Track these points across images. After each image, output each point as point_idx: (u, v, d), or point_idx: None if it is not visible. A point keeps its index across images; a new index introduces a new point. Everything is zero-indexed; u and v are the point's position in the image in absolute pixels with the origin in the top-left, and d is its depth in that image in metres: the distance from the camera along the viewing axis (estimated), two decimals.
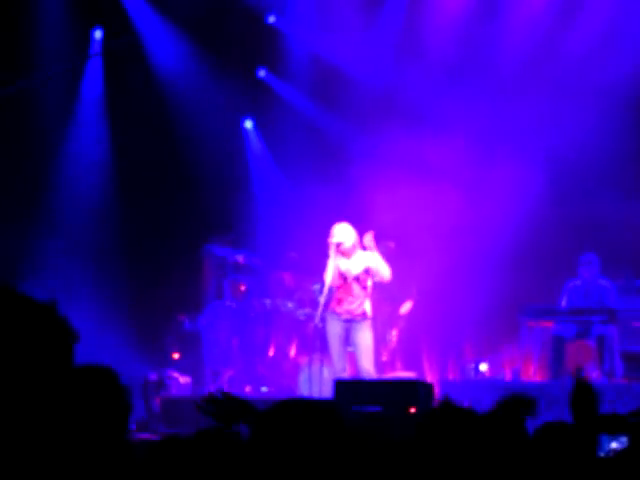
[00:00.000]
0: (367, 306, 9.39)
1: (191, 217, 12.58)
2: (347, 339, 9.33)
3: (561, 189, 11.98)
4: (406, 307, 11.58)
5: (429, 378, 11.50)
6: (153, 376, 10.75)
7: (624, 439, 4.49)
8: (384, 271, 9.34)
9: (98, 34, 12.97)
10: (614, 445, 4.52)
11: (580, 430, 3.73)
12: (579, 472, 3.45)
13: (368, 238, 9.31)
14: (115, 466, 2.62)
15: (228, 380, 11.36)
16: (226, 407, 3.60)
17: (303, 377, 10.49)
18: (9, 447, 2.04)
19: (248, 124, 13.97)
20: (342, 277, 9.34)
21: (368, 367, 9.16)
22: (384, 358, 11.17)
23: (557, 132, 12.10)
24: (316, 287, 10.96)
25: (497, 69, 12.41)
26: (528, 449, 3.43)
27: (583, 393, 4.32)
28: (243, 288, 11.96)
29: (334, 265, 9.28)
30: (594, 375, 10.19)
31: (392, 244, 11.23)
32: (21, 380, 2.09)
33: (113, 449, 2.66)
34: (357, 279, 9.34)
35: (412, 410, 7.56)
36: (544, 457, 3.41)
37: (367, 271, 9.35)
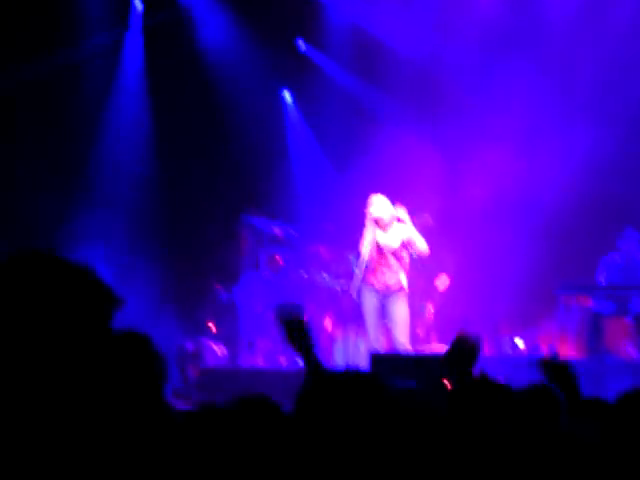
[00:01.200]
0: (403, 279, 9.36)
1: (229, 187, 12.61)
2: (383, 312, 9.32)
3: (599, 164, 11.86)
4: (442, 281, 11.53)
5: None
6: (189, 345, 10.81)
7: None
8: (421, 245, 9.31)
9: (139, 4, 12.98)
10: None
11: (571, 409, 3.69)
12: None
13: (401, 212, 9.27)
14: (153, 431, 2.63)
15: (262, 350, 11.40)
16: (295, 330, 3.65)
17: (338, 349, 10.50)
18: (47, 410, 2.05)
19: (287, 96, 13.93)
20: (378, 249, 9.31)
21: (403, 340, 9.16)
22: (420, 332, 11.14)
23: (598, 109, 11.96)
24: (352, 257, 10.94)
25: (539, 47, 12.27)
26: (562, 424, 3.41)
27: (559, 372, 4.28)
28: (279, 260, 11.97)
29: (371, 237, 9.25)
30: (632, 353, 10.12)
31: (428, 216, 11.18)
32: (57, 344, 2.10)
33: (150, 414, 2.67)
34: (393, 252, 9.31)
35: (447, 384, 7.53)
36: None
37: (404, 244, 9.32)
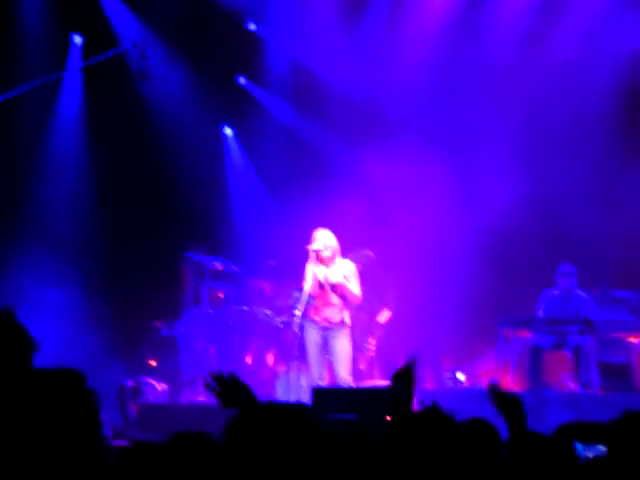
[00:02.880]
0: (345, 314, 9.37)
1: (170, 224, 12.54)
2: (325, 347, 9.31)
3: (540, 200, 12.02)
4: (384, 316, 11.57)
5: None
6: (129, 383, 10.69)
7: (600, 447, 4.50)
8: (353, 295, 9.33)
9: (78, 40, 12.92)
10: (589, 454, 4.52)
11: (516, 441, 3.72)
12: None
13: (350, 268, 9.36)
14: (85, 471, 2.59)
15: (204, 387, 11.29)
16: (229, 388, 3.63)
17: (281, 385, 10.46)
18: None
19: (228, 131, 13.95)
20: (320, 285, 9.32)
21: (345, 375, 9.15)
22: (362, 366, 11.15)
23: (536, 143, 12.14)
24: (295, 295, 10.95)
25: (479, 78, 12.45)
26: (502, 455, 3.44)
27: (507, 403, 4.31)
28: (221, 295, 11.92)
29: (312, 272, 9.27)
30: (571, 386, 10.22)
31: (371, 253, 11.24)
32: None
33: (82, 453, 2.62)
34: (334, 287, 9.32)
35: (388, 418, 7.54)
36: (524, 466, 3.41)
37: (346, 280, 9.34)
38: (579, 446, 4.48)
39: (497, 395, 4.18)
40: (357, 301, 9.55)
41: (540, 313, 10.51)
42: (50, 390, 2.66)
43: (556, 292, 10.53)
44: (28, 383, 2.25)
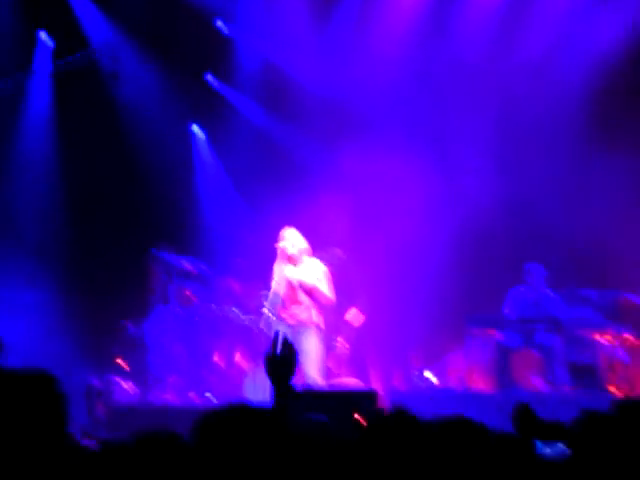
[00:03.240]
0: (314, 313, 9.36)
1: (139, 223, 12.49)
2: None
3: (507, 200, 12.07)
4: (352, 314, 11.57)
5: (375, 385, 11.50)
6: (97, 383, 10.63)
7: (559, 445, 4.53)
8: (325, 297, 9.33)
9: (44, 36, 12.84)
10: (548, 451, 4.55)
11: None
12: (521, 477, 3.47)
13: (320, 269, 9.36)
14: (54, 472, 2.57)
15: (172, 386, 11.27)
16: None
17: (248, 383, 10.44)
18: None
19: (196, 130, 13.90)
20: (289, 284, 9.31)
21: (313, 374, 9.14)
22: (331, 365, 11.15)
23: (507, 144, 12.19)
24: (262, 293, 10.93)
25: (451, 76, 12.48)
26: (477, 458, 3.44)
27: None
28: (189, 294, 11.89)
29: (280, 271, 9.25)
30: (539, 385, 10.27)
31: (339, 251, 11.24)
32: None
33: (51, 454, 2.60)
34: (308, 291, 9.31)
35: (356, 417, 7.54)
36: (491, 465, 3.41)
37: (306, 291, 9.32)
38: (538, 443, 4.51)
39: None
40: (330, 303, 9.55)
41: (507, 312, 10.56)
42: (19, 392, 2.64)
43: (523, 290, 10.57)
44: None
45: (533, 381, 10.44)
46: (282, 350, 3.71)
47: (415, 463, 2.76)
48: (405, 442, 2.81)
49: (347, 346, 11.36)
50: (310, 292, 9.27)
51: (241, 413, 2.54)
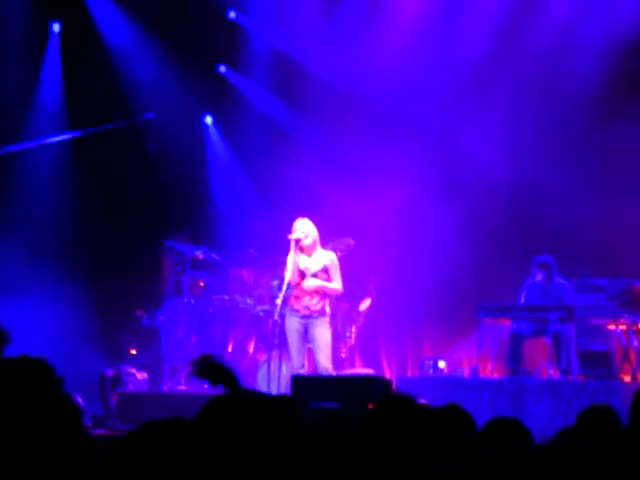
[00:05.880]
0: (326, 303, 9.39)
1: (151, 213, 12.52)
2: (306, 336, 9.32)
3: (519, 189, 12.06)
4: (365, 304, 11.59)
5: (388, 375, 11.53)
6: (110, 372, 10.68)
7: None
8: (334, 289, 9.36)
9: (57, 27, 12.87)
10: None
11: None
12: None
13: (331, 258, 9.37)
14: (58, 460, 2.58)
15: (186, 376, 11.32)
16: (214, 371, 3.67)
17: (262, 373, 10.47)
18: None
19: (208, 120, 13.92)
20: (301, 274, 9.33)
21: (326, 364, 9.16)
22: (343, 355, 11.17)
23: (517, 133, 12.16)
24: (274, 283, 10.95)
25: (460, 65, 12.45)
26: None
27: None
28: (202, 284, 11.92)
29: (293, 261, 9.27)
30: (551, 372, 10.27)
31: (351, 241, 11.25)
32: None
33: (52, 442, 2.61)
34: (315, 276, 9.32)
35: (370, 406, 7.56)
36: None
37: (325, 269, 9.34)
38: None
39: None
40: (338, 294, 9.62)
41: (522, 301, 10.55)
42: (15, 380, 2.64)
43: (538, 279, 10.55)
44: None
45: (545, 369, 10.44)
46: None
47: (416, 448, 2.77)
48: (402, 426, 2.83)
49: (353, 336, 11.38)
50: (317, 289, 9.30)
51: (250, 398, 2.55)
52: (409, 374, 11.80)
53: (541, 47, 12.19)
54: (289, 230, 9.38)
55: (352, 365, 11.34)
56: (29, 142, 11.75)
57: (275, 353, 9.92)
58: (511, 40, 12.29)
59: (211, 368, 3.74)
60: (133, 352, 11.59)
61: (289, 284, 9.30)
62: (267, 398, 2.61)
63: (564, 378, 9.75)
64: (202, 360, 3.78)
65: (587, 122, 11.80)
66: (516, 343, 10.24)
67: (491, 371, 10.54)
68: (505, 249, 11.77)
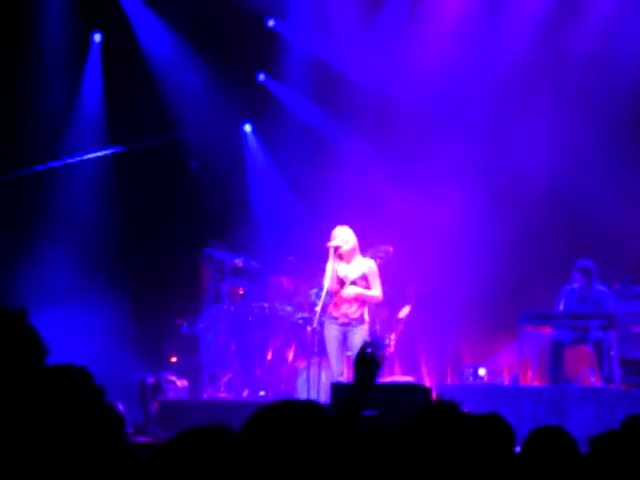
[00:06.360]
0: (364, 310, 9.38)
1: (190, 221, 12.57)
2: (345, 343, 9.32)
3: (560, 194, 11.99)
4: (404, 311, 11.57)
5: (427, 383, 11.49)
6: (151, 379, 10.73)
7: None
8: (374, 297, 9.35)
9: (97, 37, 12.97)
10: None
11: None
12: (569, 474, 3.45)
13: (371, 265, 9.36)
14: (97, 468, 2.60)
15: (226, 384, 11.35)
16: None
17: (301, 381, 10.48)
18: None
19: (247, 128, 13.97)
20: (340, 281, 9.33)
21: None
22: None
23: (556, 136, 12.09)
24: (314, 291, 10.96)
25: (497, 72, 12.40)
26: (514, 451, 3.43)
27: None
28: (241, 292, 11.96)
29: (332, 269, 9.27)
30: (593, 380, 10.18)
31: (391, 248, 11.23)
32: None
33: (90, 449, 2.63)
34: (354, 284, 9.32)
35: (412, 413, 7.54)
36: (536, 459, 3.40)
37: (364, 277, 9.34)
38: None
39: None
40: (378, 301, 9.60)
41: (560, 308, 10.48)
42: (54, 388, 2.66)
43: (576, 286, 10.48)
44: (33, 382, 2.25)
45: (586, 377, 10.36)
46: (371, 352, 3.74)
47: (456, 456, 2.76)
48: (446, 435, 2.82)
49: (393, 344, 11.35)
50: (357, 298, 9.29)
51: (294, 408, 2.56)
52: (449, 382, 11.76)
53: (585, 50, 12.11)
54: (328, 238, 9.39)
55: (391, 373, 11.31)
56: (70, 157, 11.84)
57: (314, 360, 9.92)
58: (554, 42, 12.22)
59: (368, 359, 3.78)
60: (173, 360, 11.65)
61: (328, 292, 9.30)
62: (303, 404, 2.61)
63: (606, 386, 9.67)
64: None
65: (631, 127, 11.71)
66: (557, 351, 10.16)
67: (532, 379, 10.47)
68: (545, 256, 11.70)
